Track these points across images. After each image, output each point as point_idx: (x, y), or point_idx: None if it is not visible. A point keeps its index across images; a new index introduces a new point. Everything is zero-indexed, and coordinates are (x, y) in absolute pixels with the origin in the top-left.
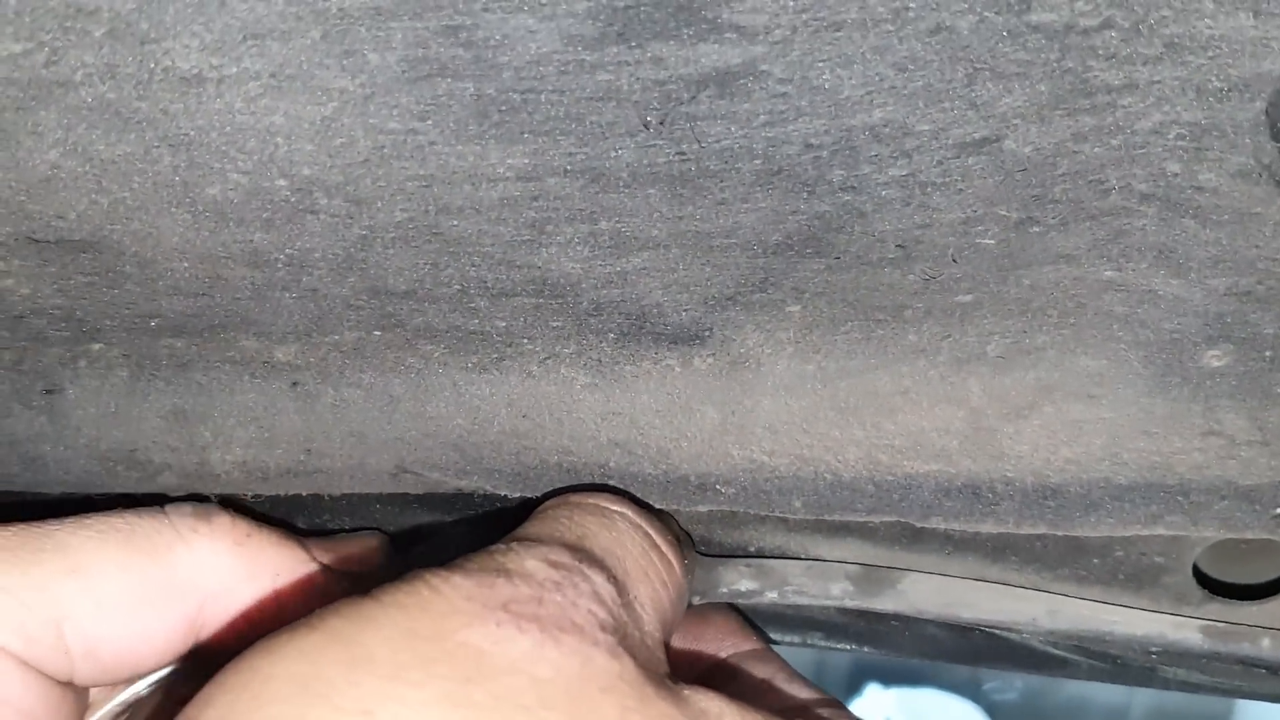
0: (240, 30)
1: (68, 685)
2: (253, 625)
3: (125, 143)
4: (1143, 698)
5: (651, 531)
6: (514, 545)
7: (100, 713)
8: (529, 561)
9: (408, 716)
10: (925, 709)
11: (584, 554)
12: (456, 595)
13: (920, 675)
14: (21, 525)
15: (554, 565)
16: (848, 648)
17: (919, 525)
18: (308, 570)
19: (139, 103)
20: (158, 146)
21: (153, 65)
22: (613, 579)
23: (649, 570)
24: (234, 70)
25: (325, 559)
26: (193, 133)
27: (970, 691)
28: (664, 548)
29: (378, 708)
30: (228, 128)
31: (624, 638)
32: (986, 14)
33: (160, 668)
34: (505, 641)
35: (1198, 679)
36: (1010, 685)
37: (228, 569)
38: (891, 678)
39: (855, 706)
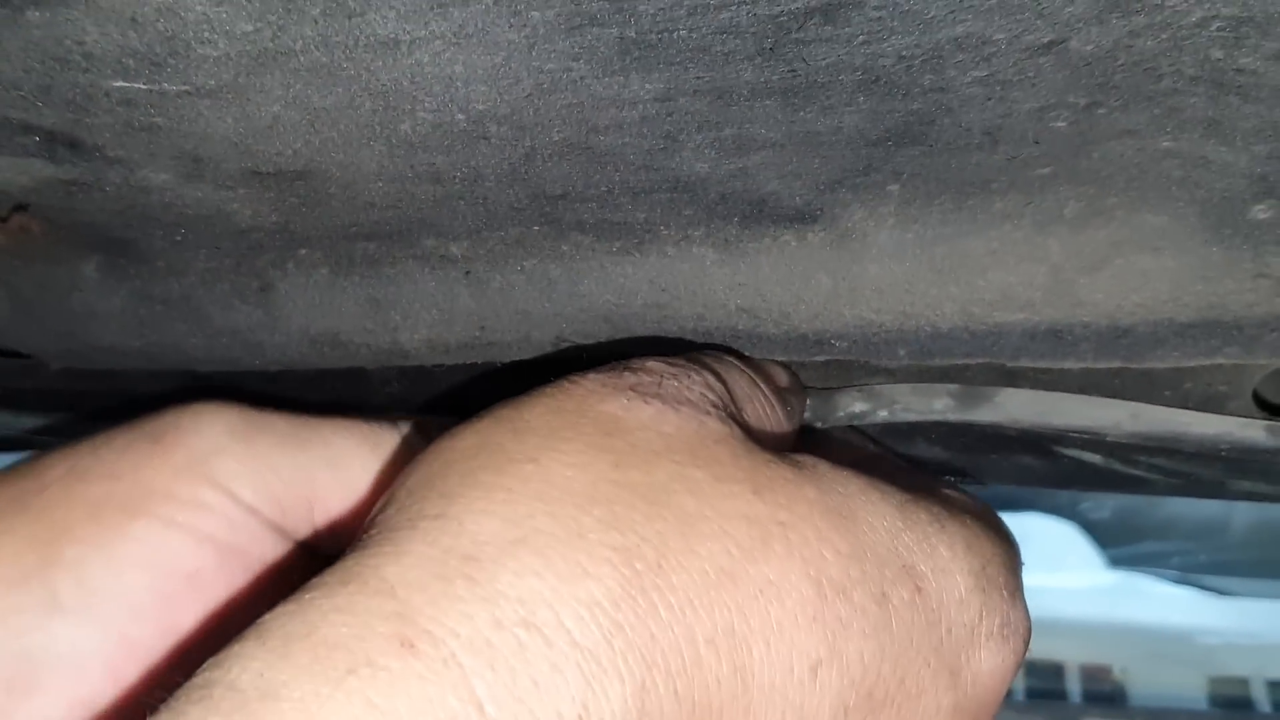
0: (428, 1)
1: (312, 553)
2: None
3: (334, 95)
4: (1242, 513)
5: (753, 373)
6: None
7: None
8: (648, 361)
9: (564, 460)
10: (1028, 531)
11: (696, 361)
12: (590, 383)
13: (1019, 502)
14: (294, 417)
15: (669, 363)
16: (951, 479)
17: (1009, 366)
18: None
19: (346, 63)
20: (360, 96)
21: (358, 33)
22: (721, 382)
23: (753, 396)
24: (423, 32)
25: None
26: (389, 83)
27: (1068, 513)
28: (764, 387)
29: (541, 455)
30: (417, 77)
31: (731, 418)
32: None
33: None
34: (634, 410)
35: (1263, 489)
36: (1102, 505)
37: None
38: (995, 506)
39: None
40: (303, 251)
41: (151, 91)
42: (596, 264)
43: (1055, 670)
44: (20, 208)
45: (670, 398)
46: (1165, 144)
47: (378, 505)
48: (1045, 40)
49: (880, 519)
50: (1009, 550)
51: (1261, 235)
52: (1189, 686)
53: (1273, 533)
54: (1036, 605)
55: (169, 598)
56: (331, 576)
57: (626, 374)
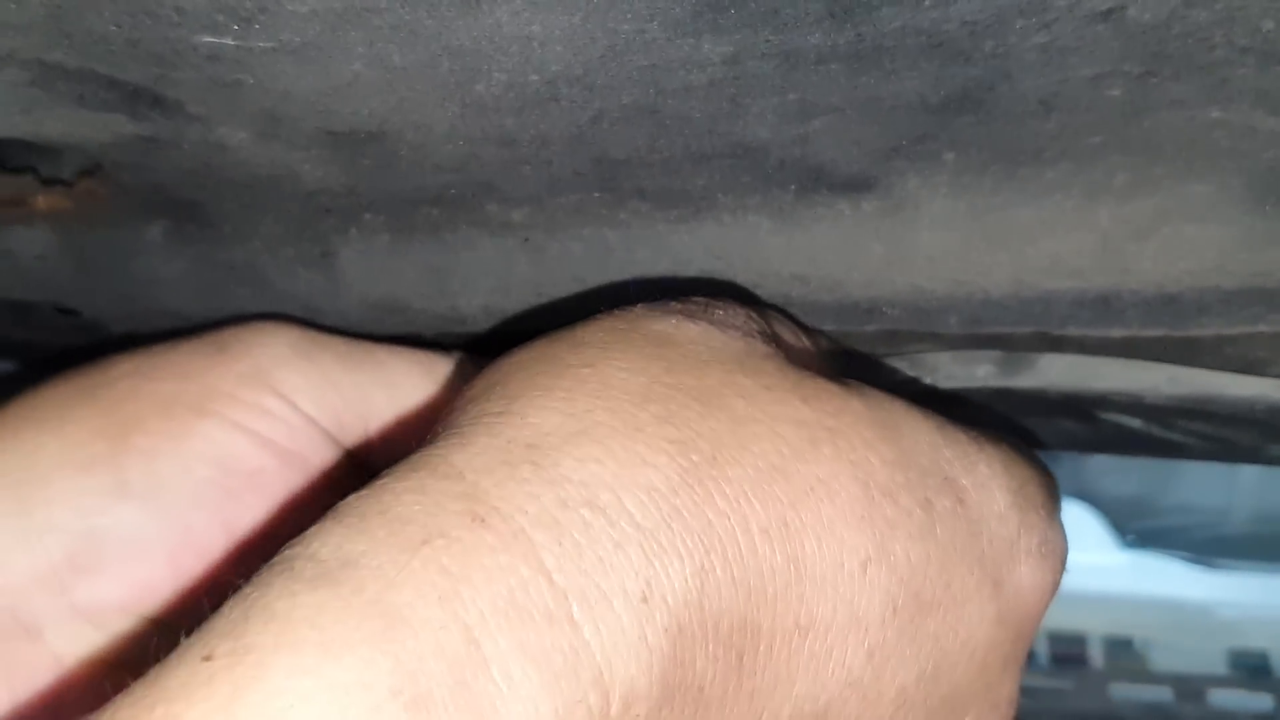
0: None
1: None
2: None
3: (414, 53)
4: (1243, 500)
5: (796, 327)
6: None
7: None
8: (694, 297)
9: (619, 365)
10: None
11: (741, 299)
12: (641, 309)
13: None
14: (351, 340)
15: (713, 299)
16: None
17: (1056, 334)
18: None
19: (428, 20)
20: (439, 55)
21: None
22: (764, 319)
23: (794, 343)
24: None
25: None
26: (468, 42)
27: (1088, 495)
28: (806, 341)
29: (597, 362)
30: (496, 37)
31: (775, 344)
32: None
33: None
34: (683, 328)
35: None
36: (1127, 480)
37: None
38: None
39: None
40: (366, 216)
41: (239, 47)
42: (653, 232)
43: (1078, 639)
44: (87, 172)
45: (717, 321)
46: (1214, 114)
47: (442, 414)
48: (1105, 8)
49: (922, 434)
50: (1045, 476)
51: None
52: (1209, 656)
53: None
54: None
55: (232, 493)
56: (402, 466)
57: (674, 303)
